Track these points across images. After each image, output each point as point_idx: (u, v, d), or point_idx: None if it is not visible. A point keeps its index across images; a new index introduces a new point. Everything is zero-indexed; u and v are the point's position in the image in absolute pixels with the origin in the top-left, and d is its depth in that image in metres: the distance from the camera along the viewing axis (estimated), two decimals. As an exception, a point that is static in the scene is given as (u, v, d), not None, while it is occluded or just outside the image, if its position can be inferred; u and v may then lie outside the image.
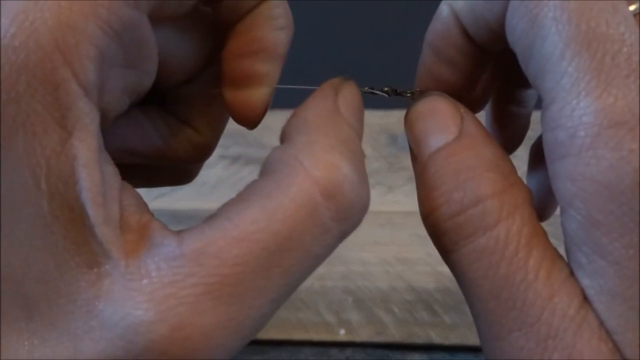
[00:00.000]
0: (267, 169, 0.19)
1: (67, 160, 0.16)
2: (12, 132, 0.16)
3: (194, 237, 0.17)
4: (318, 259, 0.18)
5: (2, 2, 0.16)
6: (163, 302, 0.16)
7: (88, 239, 0.16)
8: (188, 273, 0.16)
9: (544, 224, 0.20)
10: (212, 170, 0.52)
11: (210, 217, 0.18)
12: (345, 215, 0.18)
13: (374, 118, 0.52)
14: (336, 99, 0.20)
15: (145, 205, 0.19)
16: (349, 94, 0.21)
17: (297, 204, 0.17)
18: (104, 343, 0.16)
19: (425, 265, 0.45)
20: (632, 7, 0.18)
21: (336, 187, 0.18)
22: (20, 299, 0.16)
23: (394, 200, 0.49)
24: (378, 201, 0.49)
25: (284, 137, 0.20)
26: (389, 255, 0.46)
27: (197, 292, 0.16)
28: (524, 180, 0.20)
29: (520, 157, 0.26)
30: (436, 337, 0.42)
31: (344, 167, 0.18)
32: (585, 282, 0.18)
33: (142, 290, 0.16)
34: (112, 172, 0.18)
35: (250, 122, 0.23)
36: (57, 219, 0.16)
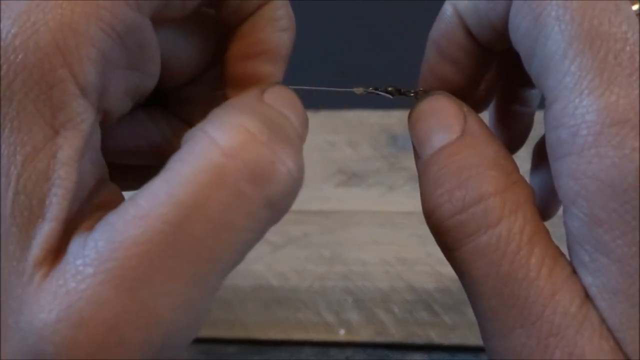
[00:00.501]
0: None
1: (45, 158, 0.16)
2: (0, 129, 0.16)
3: (97, 227, 0.16)
4: (242, 231, 0.16)
5: (5, 2, 0.16)
6: (64, 299, 0.15)
7: (33, 244, 0.16)
8: (86, 263, 0.15)
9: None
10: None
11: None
12: (263, 177, 0.16)
13: (374, 118, 0.52)
14: (260, 92, 0.19)
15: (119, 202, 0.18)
16: (277, 89, 0.20)
17: (199, 169, 0.16)
18: (22, 352, 0.15)
19: (425, 265, 0.45)
20: (635, 7, 0.19)
21: (241, 144, 0.16)
22: None
23: (394, 200, 0.49)
24: (378, 201, 0.49)
25: None
26: (389, 255, 0.46)
27: (95, 283, 0.15)
28: (527, 180, 0.21)
29: (522, 158, 0.26)
30: (436, 337, 0.43)
31: (251, 126, 0.16)
32: (588, 280, 0.18)
33: (47, 290, 0.15)
34: (91, 173, 0.17)
35: None
36: (15, 220, 0.16)
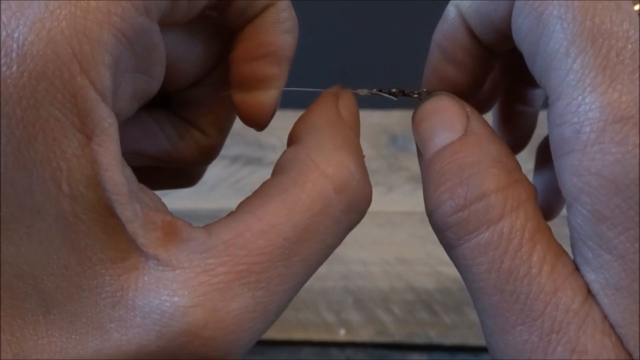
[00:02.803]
0: (281, 167, 0.20)
1: (88, 163, 0.17)
2: (31, 137, 0.16)
3: (221, 231, 0.18)
4: (330, 248, 0.20)
5: (20, 11, 0.16)
6: (197, 288, 0.17)
7: (111, 237, 0.17)
8: (219, 262, 0.18)
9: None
10: (211, 170, 0.51)
11: (232, 213, 0.19)
12: (353, 208, 0.20)
13: (374, 118, 0.52)
14: (337, 105, 0.22)
15: (163, 205, 0.19)
16: (347, 99, 0.22)
17: (313, 198, 0.19)
18: (135, 329, 0.17)
19: (425, 265, 0.45)
20: (637, 7, 0.19)
21: (345, 182, 0.19)
22: (37, 294, 0.17)
23: (394, 200, 0.49)
24: (378, 201, 0.48)
25: (293, 139, 0.21)
26: (388, 255, 0.46)
27: (228, 280, 0.18)
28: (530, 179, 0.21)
29: (525, 159, 0.26)
30: (436, 337, 0.43)
31: (350, 165, 0.20)
32: (591, 276, 0.18)
33: (176, 279, 0.17)
34: (130, 175, 0.18)
35: (259, 124, 0.23)
36: (79, 219, 0.17)
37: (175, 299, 0.17)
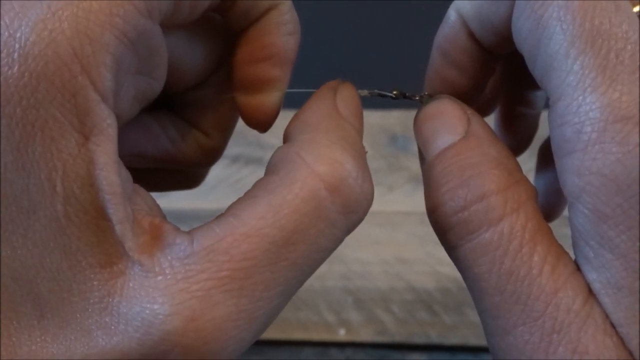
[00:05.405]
0: (271, 168, 0.19)
1: (84, 163, 0.17)
2: (30, 137, 0.16)
3: (204, 236, 0.18)
4: (325, 252, 0.19)
5: (22, 11, 0.16)
6: (176, 296, 0.17)
7: (101, 240, 0.17)
8: (199, 269, 0.17)
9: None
10: (211, 170, 0.52)
11: (219, 216, 0.18)
12: (351, 208, 0.19)
13: (374, 118, 0.52)
14: (334, 100, 0.21)
15: (157, 207, 0.19)
16: (347, 94, 0.21)
17: (302, 199, 0.18)
18: (118, 336, 0.17)
19: (424, 265, 0.45)
20: (636, 9, 0.19)
21: (340, 181, 0.18)
22: (33, 297, 0.17)
23: (394, 200, 0.49)
24: (378, 201, 0.48)
25: (286, 138, 0.21)
26: (388, 255, 0.46)
27: (208, 287, 0.17)
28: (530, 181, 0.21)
29: (524, 160, 0.26)
30: (436, 337, 0.43)
31: (346, 162, 0.19)
32: (592, 276, 0.18)
33: (157, 286, 0.17)
34: (125, 175, 0.18)
35: (263, 125, 0.23)
36: (71, 221, 0.17)
37: (155, 306, 0.17)
